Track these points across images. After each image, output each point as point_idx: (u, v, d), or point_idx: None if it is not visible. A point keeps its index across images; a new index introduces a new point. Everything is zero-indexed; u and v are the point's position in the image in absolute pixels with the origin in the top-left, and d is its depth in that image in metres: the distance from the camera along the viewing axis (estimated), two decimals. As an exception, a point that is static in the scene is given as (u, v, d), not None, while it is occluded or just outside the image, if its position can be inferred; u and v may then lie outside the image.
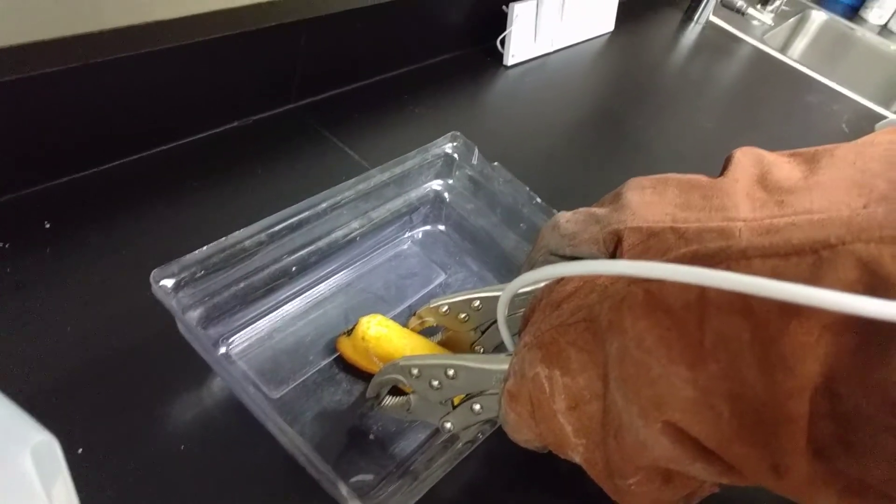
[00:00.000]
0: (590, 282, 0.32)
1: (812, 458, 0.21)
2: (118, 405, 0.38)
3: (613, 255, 0.37)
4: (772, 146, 0.38)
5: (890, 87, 1.19)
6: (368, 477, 0.39)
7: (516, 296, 0.37)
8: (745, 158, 0.37)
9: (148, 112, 0.52)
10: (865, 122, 0.93)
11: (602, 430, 0.28)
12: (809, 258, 0.20)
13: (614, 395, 0.26)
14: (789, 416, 0.21)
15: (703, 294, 0.23)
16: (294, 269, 0.45)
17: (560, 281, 0.33)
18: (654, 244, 0.35)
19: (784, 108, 0.95)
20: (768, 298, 0.20)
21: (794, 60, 1.06)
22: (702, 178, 0.37)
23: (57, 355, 0.39)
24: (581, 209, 0.39)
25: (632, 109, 0.85)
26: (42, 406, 0.37)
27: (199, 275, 0.39)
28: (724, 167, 0.38)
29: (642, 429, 0.25)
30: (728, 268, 0.22)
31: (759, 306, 0.21)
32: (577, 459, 0.30)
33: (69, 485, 0.21)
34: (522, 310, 0.36)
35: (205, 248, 0.38)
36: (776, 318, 0.21)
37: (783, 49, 1.26)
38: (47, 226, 0.46)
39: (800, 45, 1.35)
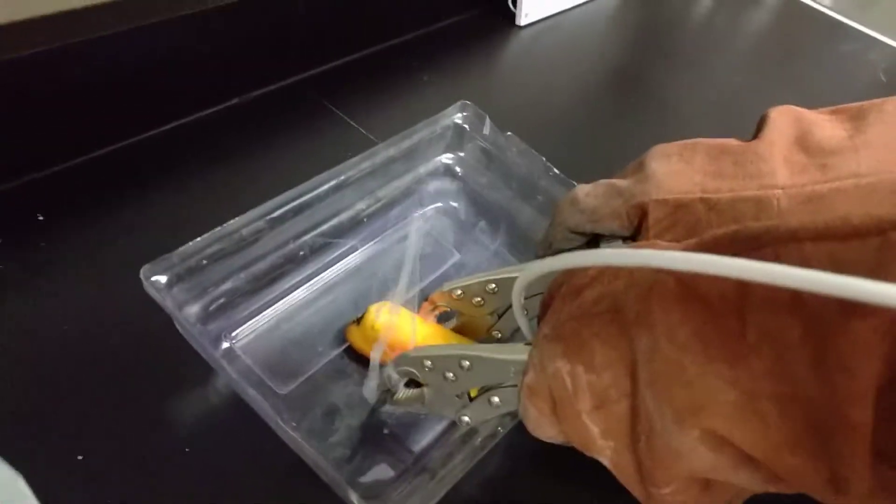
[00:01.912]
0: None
1: (875, 463, 0.19)
2: (119, 408, 0.36)
3: (639, 231, 0.34)
4: (805, 100, 0.35)
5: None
6: (384, 474, 0.37)
7: (533, 279, 0.35)
8: (782, 118, 0.34)
9: (139, 93, 0.49)
10: (904, 70, 0.88)
11: (632, 432, 0.25)
12: (874, 241, 0.17)
13: (644, 397, 0.23)
14: (851, 423, 0.18)
15: (743, 283, 0.20)
16: (300, 254, 0.43)
17: (581, 264, 0.30)
18: (682, 217, 0.32)
19: (816, 59, 0.90)
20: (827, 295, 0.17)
21: (826, 7, 1.00)
22: (733, 143, 0.34)
23: (54, 356, 0.37)
24: (602, 181, 0.36)
25: (655, 67, 0.80)
26: (36, 410, 0.35)
27: (195, 267, 0.36)
28: (757, 128, 0.34)
29: (677, 435, 0.22)
30: (775, 253, 0.19)
31: (811, 298, 0.18)
32: (606, 463, 0.27)
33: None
34: (541, 293, 0.34)
35: (199, 238, 0.36)
36: (833, 313, 0.18)
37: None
38: (41, 218, 0.44)
39: (831, -11, 1.28)
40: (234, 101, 0.56)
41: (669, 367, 0.21)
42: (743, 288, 0.20)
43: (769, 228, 0.20)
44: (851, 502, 0.19)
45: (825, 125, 0.32)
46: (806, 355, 0.19)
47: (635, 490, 0.26)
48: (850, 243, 0.18)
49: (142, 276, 0.34)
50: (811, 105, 0.34)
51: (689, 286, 0.21)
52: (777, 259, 0.19)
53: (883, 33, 0.95)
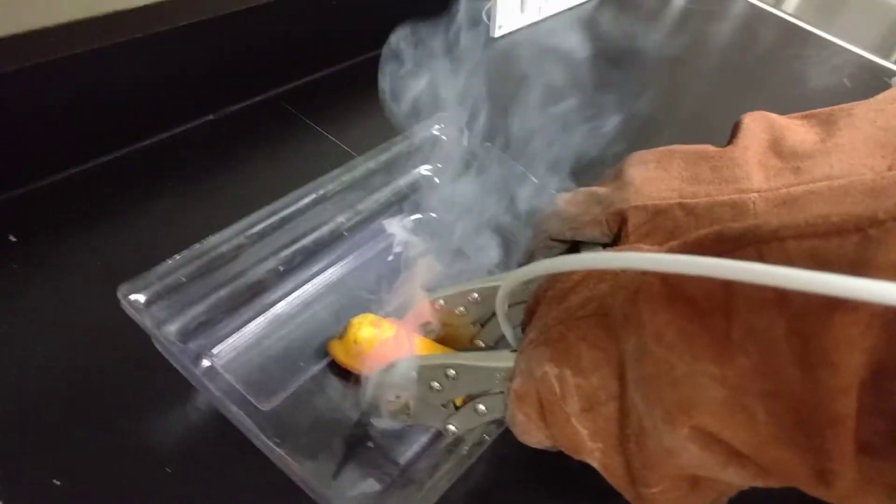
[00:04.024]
0: (598, 270, 0.29)
1: (859, 456, 0.19)
2: (97, 430, 0.36)
3: (618, 237, 0.34)
4: (772, 107, 0.36)
5: (891, 37, 1.15)
6: (371, 487, 0.36)
7: (517, 287, 0.35)
8: (755, 124, 0.34)
9: (114, 110, 0.49)
10: (868, 76, 0.90)
11: (621, 433, 0.25)
12: (854, 237, 0.18)
13: (633, 397, 0.24)
14: (835, 416, 0.18)
15: (728, 283, 0.20)
16: (281, 269, 0.43)
17: (564, 270, 0.31)
18: (661, 223, 0.32)
19: (782, 66, 0.92)
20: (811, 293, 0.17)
21: (790, 15, 1.03)
22: (709, 148, 0.34)
23: (29, 380, 0.37)
24: (581, 189, 0.37)
25: (627, 77, 0.81)
26: (11, 434, 0.34)
27: (174, 285, 0.36)
28: (732, 134, 0.35)
29: (667, 434, 0.22)
30: (759, 252, 0.19)
31: (795, 295, 0.18)
32: (594, 465, 0.27)
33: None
34: (524, 302, 0.34)
35: (177, 256, 0.36)
36: (816, 308, 0.18)
37: (777, 3, 1.22)
38: (12, 239, 0.43)
39: (794, -2, 1.31)
40: (210, 116, 0.56)
41: (658, 366, 0.22)
42: (728, 287, 0.20)
43: (751, 228, 0.20)
44: (839, 494, 0.19)
45: (797, 130, 0.33)
46: (790, 352, 0.19)
47: (625, 491, 0.26)
48: (830, 240, 0.18)
49: (119, 295, 0.33)
50: (779, 111, 0.35)
51: (674, 287, 0.22)
52: (760, 257, 0.19)
53: (846, 40, 0.97)
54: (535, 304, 0.32)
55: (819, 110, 0.34)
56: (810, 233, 0.18)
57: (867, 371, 0.18)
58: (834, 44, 0.97)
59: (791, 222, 0.19)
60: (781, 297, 0.19)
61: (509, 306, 0.34)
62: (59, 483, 0.33)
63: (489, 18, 0.77)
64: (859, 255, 0.17)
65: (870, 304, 0.17)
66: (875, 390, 0.18)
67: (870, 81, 0.89)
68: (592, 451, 0.27)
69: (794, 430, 0.20)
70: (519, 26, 0.81)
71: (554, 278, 0.31)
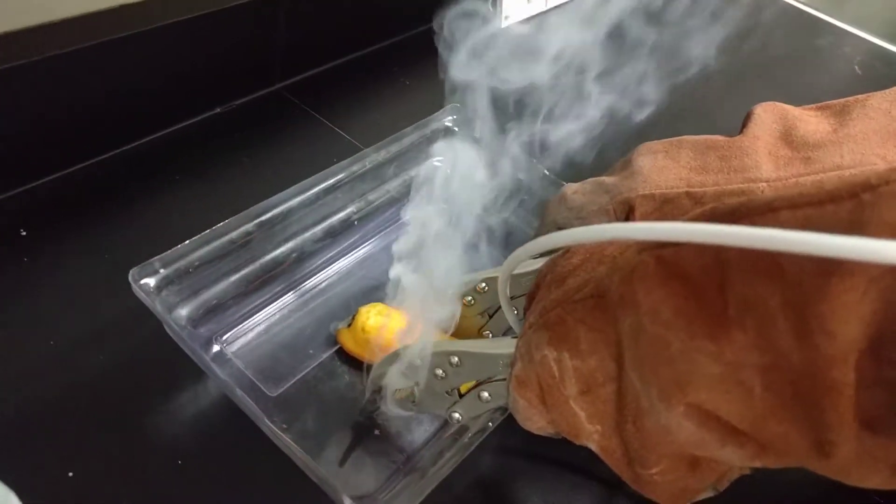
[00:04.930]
0: (597, 253, 0.29)
1: (860, 431, 0.19)
2: (109, 420, 0.36)
3: (625, 226, 0.34)
4: (783, 94, 0.35)
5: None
6: (374, 474, 0.37)
7: (521, 275, 0.35)
8: (767, 114, 0.34)
9: (123, 104, 0.49)
10: (879, 63, 0.89)
11: (618, 415, 0.25)
12: (848, 204, 0.17)
13: (630, 377, 0.24)
14: (833, 386, 0.18)
15: (720, 255, 0.20)
16: (294, 255, 0.43)
17: (565, 254, 0.31)
18: (668, 211, 0.32)
19: (792, 54, 0.91)
20: (803, 254, 0.17)
21: (801, 2, 1.02)
22: (718, 138, 0.34)
23: (41, 372, 0.37)
24: (589, 179, 0.37)
25: (636, 66, 0.81)
26: (25, 427, 0.35)
27: (185, 270, 0.36)
28: (743, 124, 0.35)
29: (664, 413, 0.22)
30: (752, 223, 0.19)
31: (789, 264, 0.18)
32: (593, 447, 0.27)
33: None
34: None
35: (187, 242, 0.36)
36: (811, 276, 0.18)
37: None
38: (23, 234, 0.43)
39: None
40: (217, 110, 0.56)
41: (654, 345, 0.22)
42: (722, 262, 0.20)
43: (744, 202, 0.20)
44: (838, 466, 0.19)
45: (810, 120, 0.33)
46: (787, 323, 0.19)
47: (623, 473, 0.27)
48: (825, 208, 0.18)
49: (130, 279, 0.34)
50: (790, 100, 0.35)
51: (669, 265, 0.22)
52: None
53: (857, 27, 0.96)
54: (536, 290, 0.32)
55: (834, 101, 0.34)
56: (804, 202, 0.18)
57: (866, 340, 0.18)
58: (845, 31, 0.96)
59: (785, 194, 0.19)
60: (776, 268, 0.18)
61: (514, 297, 0.34)
62: (71, 475, 0.34)
63: (495, 8, 0.76)
64: (854, 219, 0.17)
65: (867, 270, 0.17)
66: (875, 360, 0.18)
67: (881, 68, 0.88)
68: (591, 433, 0.27)
69: (792, 402, 0.19)
70: (526, 16, 0.80)
71: (553, 263, 0.31)
